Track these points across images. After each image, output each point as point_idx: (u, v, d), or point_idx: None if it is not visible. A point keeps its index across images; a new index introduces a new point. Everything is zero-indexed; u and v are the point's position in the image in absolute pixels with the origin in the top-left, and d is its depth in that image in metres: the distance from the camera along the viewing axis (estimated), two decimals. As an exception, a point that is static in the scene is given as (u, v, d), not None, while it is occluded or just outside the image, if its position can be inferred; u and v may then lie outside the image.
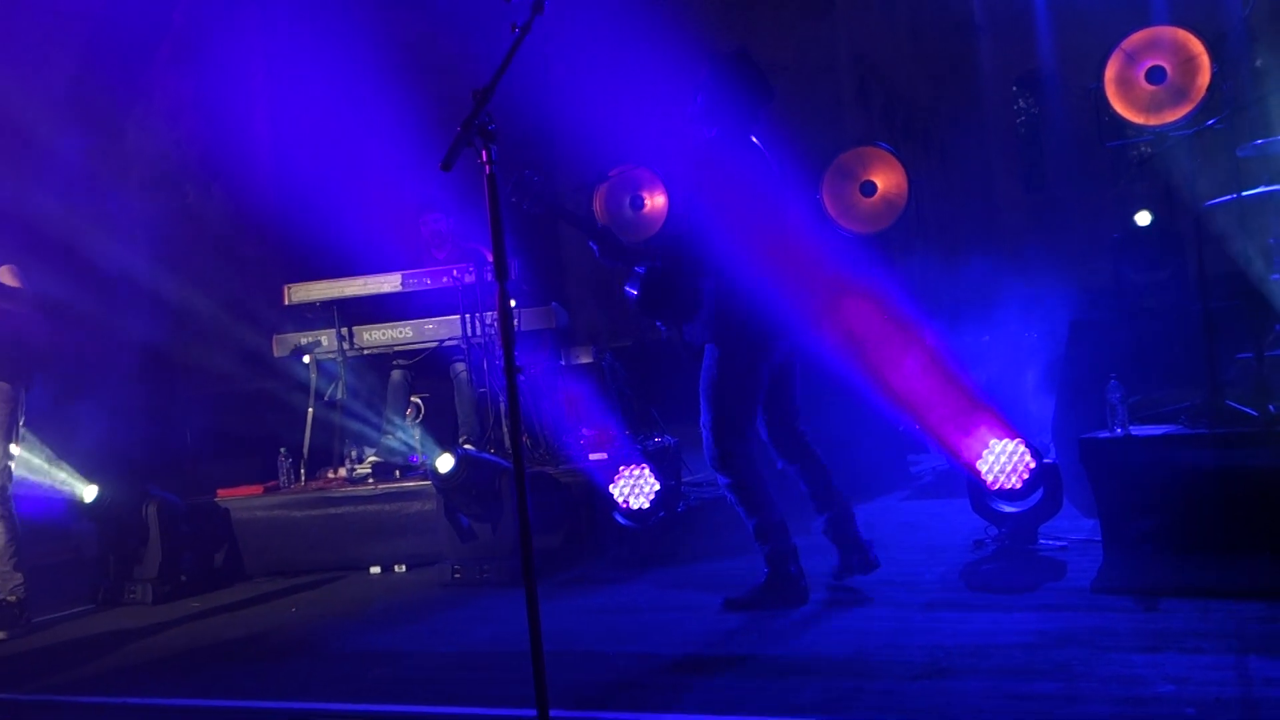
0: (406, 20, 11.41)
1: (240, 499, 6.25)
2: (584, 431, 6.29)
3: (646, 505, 5.32)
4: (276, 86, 10.24)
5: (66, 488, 5.88)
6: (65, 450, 6.09)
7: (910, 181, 8.07)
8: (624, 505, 5.35)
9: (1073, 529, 4.90)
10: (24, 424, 5.34)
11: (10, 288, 5.22)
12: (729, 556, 5.36)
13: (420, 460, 6.44)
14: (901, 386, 5.89)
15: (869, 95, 18.05)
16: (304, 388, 6.71)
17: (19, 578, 5.26)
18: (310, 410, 6.59)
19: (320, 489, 6.23)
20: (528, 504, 5.26)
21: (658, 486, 5.34)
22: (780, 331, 4.28)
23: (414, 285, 6.36)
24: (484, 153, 2.58)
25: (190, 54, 9.89)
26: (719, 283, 4.20)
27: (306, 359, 6.68)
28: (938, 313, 8.09)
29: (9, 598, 5.24)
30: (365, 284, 6.43)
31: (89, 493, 5.77)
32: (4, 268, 5.23)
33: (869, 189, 8.00)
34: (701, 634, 3.98)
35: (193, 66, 9.93)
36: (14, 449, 5.29)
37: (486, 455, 5.48)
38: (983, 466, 4.69)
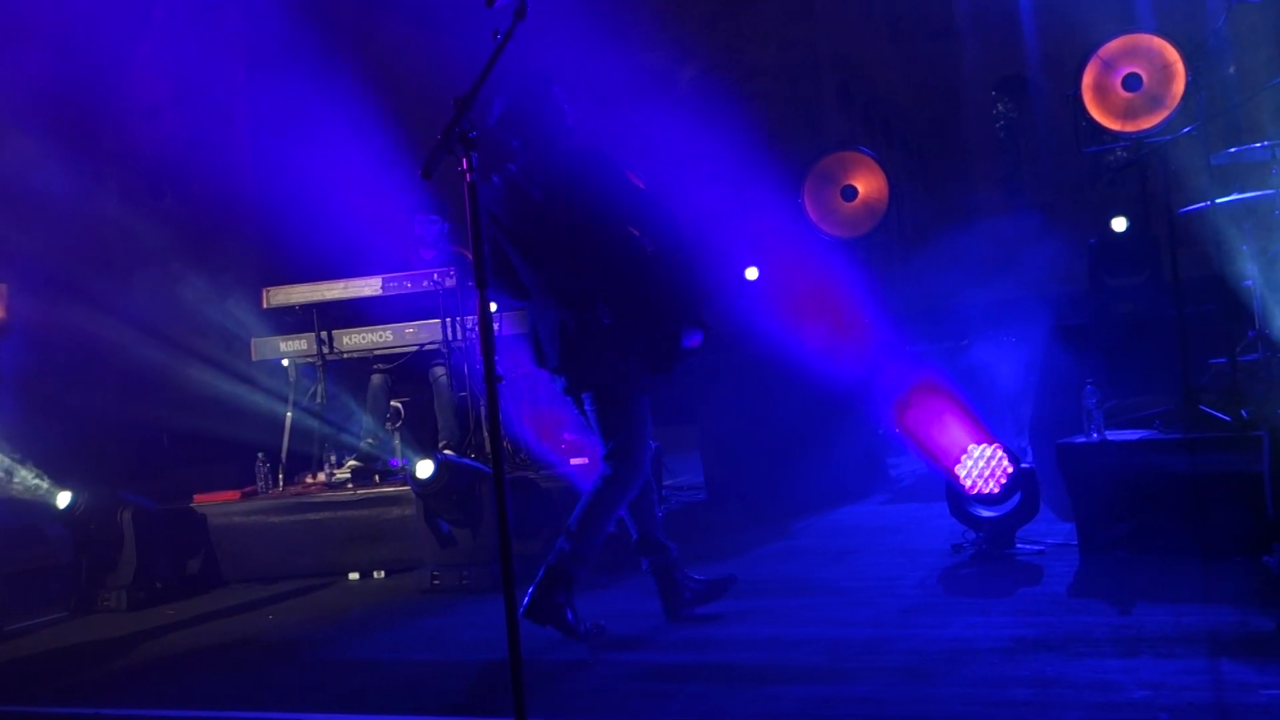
0: (388, 20, 11.38)
1: (217, 504, 6.20)
2: (565, 436, 6.28)
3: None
4: (256, 87, 10.19)
5: (39, 493, 5.84)
6: (37, 455, 6.04)
7: (891, 186, 8.11)
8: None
9: (1050, 533, 4.93)
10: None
11: None
12: (706, 561, 5.36)
13: (400, 465, 6.41)
14: (881, 390, 5.93)
15: (850, 98, 18.09)
16: (282, 392, 6.67)
17: (-9, 585, 5.23)
18: (289, 415, 6.55)
19: (299, 494, 6.19)
20: (508, 510, 5.25)
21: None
22: None
23: (394, 289, 6.33)
24: (464, 160, 2.58)
25: (168, 53, 9.84)
26: None
27: (285, 362, 6.64)
28: (915, 317, 8.13)
29: (-19, 605, 5.21)
30: (345, 287, 6.40)
31: (62, 498, 5.72)
32: None
33: (850, 193, 8.03)
34: (681, 640, 3.98)
35: (170, 66, 9.88)
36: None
37: (466, 460, 5.47)
38: (961, 471, 4.72)
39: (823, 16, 16.81)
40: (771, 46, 16.15)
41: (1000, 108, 23.16)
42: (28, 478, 5.85)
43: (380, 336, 6.50)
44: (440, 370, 6.51)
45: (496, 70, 2.76)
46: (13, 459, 5.77)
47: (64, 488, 5.72)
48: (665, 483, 7.22)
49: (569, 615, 3.97)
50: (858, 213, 8.09)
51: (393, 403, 6.60)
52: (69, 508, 5.67)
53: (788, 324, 7.48)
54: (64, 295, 7.89)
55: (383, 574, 5.87)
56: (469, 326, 6.32)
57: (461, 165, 2.57)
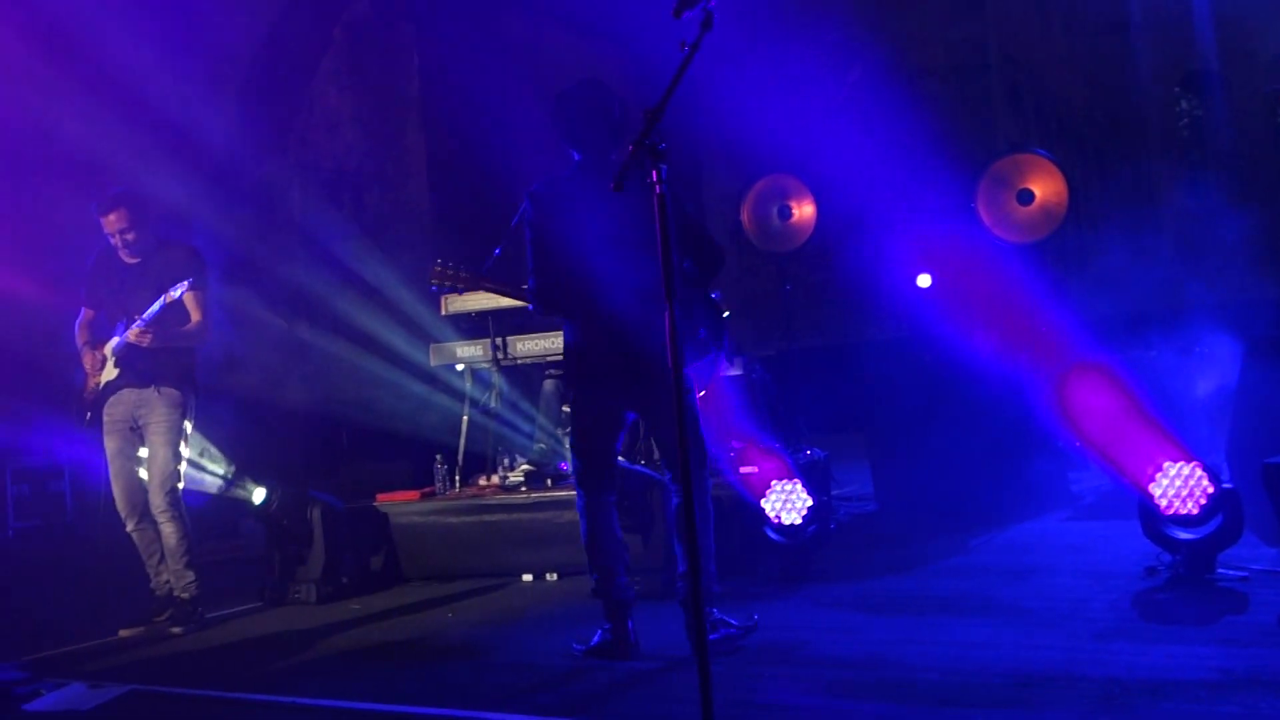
0: (565, 32, 11.59)
1: (398, 504, 6.42)
2: (733, 444, 6.25)
3: (798, 521, 5.26)
4: (434, 97, 10.50)
5: (235, 489, 6.15)
6: (231, 452, 6.36)
7: (1071, 190, 7.81)
8: (775, 520, 5.30)
9: (1255, 558, 4.65)
10: (192, 428, 5.60)
11: (195, 313, 5.51)
12: (879, 575, 5.28)
13: (569, 469, 6.50)
14: (1069, 403, 5.69)
15: (1021, 98, 17.53)
16: (459, 395, 6.86)
17: (191, 575, 5.51)
18: (465, 418, 6.73)
19: (475, 496, 6.35)
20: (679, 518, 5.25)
21: (810, 502, 5.27)
22: None
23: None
24: (654, 172, 2.59)
25: (350, 65, 10.25)
26: None
27: (461, 367, 6.83)
28: (1098, 324, 7.81)
29: (182, 595, 5.51)
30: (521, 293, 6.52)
31: (257, 494, 6.01)
32: (191, 294, 5.47)
33: (1026, 197, 7.76)
34: (858, 656, 3.91)
35: (350, 79, 10.28)
36: (184, 451, 5.55)
37: (637, 467, 5.51)
38: (1156, 490, 4.49)
39: (992, 13, 16.35)
40: (939, 46, 15.78)
41: (1184, 104, 22.09)
42: (227, 474, 6.17)
43: (553, 343, 6.60)
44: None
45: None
46: (213, 456, 6.09)
47: (258, 484, 6.01)
48: (833, 493, 7.13)
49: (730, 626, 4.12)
50: (1034, 217, 7.81)
51: (564, 408, 6.69)
52: (263, 504, 5.96)
53: (962, 331, 7.29)
54: (253, 295, 8.29)
55: (555, 577, 5.97)
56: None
57: (651, 177, 2.59)
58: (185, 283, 5.29)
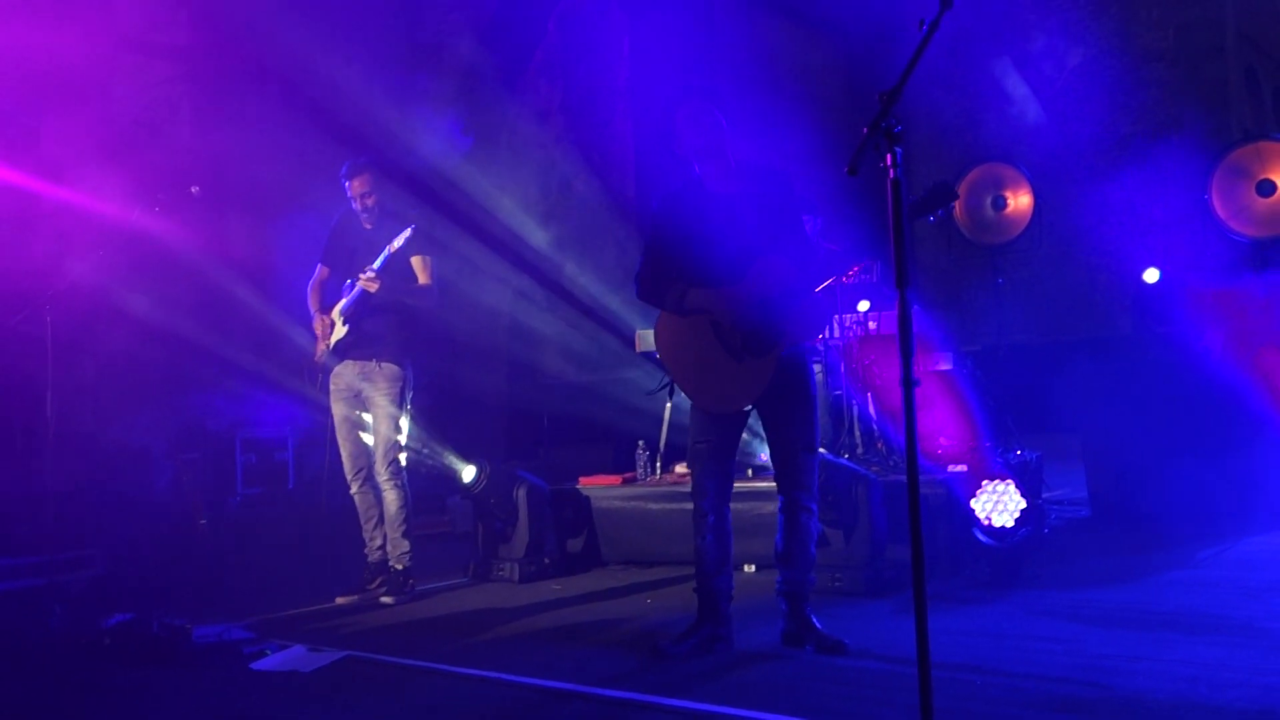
0: (764, 25, 11.50)
1: (599, 488, 6.51)
2: (941, 441, 6.07)
3: (1010, 523, 5.05)
4: (639, 88, 10.61)
5: (448, 465, 6.36)
6: (438, 430, 6.59)
7: (1320, 180, 7.22)
8: (985, 522, 5.11)
9: None
10: (411, 402, 5.82)
11: (423, 276, 5.75)
12: (1096, 585, 5.02)
13: (762, 460, 6.45)
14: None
15: (1258, 83, 16.33)
16: (663, 384, 6.89)
17: (406, 546, 5.74)
18: (669, 405, 6.76)
19: (674, 484, 6.37)
20: (884, 514, 5.14)
21: (1023, 503, 5.06)
22: None
23: (771, 285, 6.36)
24: (889, 156, 2.51)
25: (560, 59, 10.46)
26: None
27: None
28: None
29: (396, 565, 5.74)
30: (725, 283, 6.51)
31: (467, 472, 6.19)
32: (419, 257, 5.73)
33: (1268, 189, 7.24)
34: (1077, 670, 3.70)
35: (562, 70, 10.50)
36: (404, 424, 5.77)
37: (843, 461, 5.41)
38: None
39: (1230, -7, 15.27)
40: (1169, 28, 14.84)
41: None
42: (438, 450, 6.39)
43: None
44: (816, 367, 6.47)
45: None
46: (426, 434, 6.31)
47: (469, 463, 6.19)
48: (1044, 496, 6.83)
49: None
50: (1277, 209, 7.28)
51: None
52: (473, 482, 6.14)
53: (1191, 330, 6.87)
54: (454, 279, 8.56)
55: (753, 568, 5.93)
56: (846, 324, 6.25)
57: (885, 161, 2.50)
58: (408, 230, 5.53)
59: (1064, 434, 7.69)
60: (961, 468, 5.55)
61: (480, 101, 9.50)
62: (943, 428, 6.25)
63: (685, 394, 4.26)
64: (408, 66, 8.69)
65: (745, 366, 4.12)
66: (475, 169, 9.24)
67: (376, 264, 5.53)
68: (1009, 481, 5.10)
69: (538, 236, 9.69)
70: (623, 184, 10.68)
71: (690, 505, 6.05)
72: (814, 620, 4.21)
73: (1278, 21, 17.24)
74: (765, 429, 4.30)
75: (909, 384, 2.57)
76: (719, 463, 4.26)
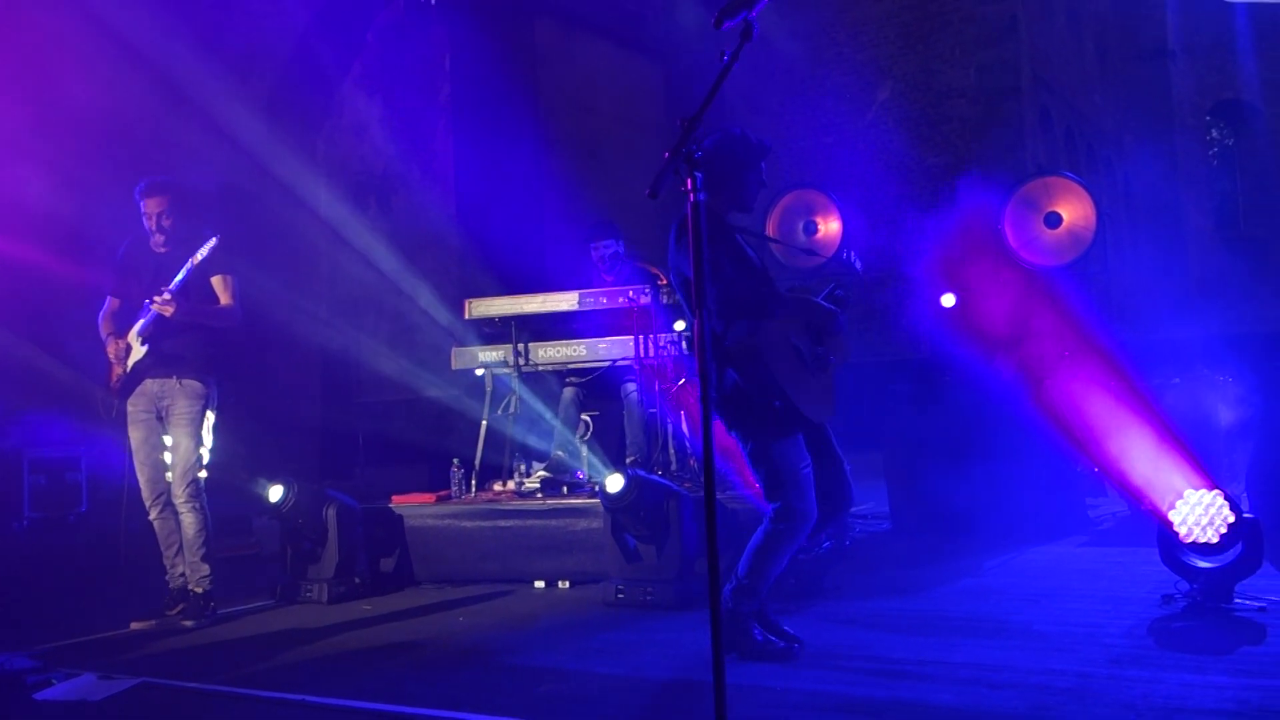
0: (583, 45, 11.64)
1: (413, 506, 6.42)
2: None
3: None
4: (459, 104, 10.56)
5: (254, 485, 6.16)
6: (247, 448, 6.38)
7: (1099, 214, 7.76)
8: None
9: (1272, 589, 4.59)
10: (215, 421, 5.62)
11: (224, 296, 5.54)
12: (893, 594, 5.26)
13: (585, 477, 6.51)
14: (1090, 427, 5.66)
15: (1051, 121, 17.48)
16: (479, 400, 6.87)
17: (206, 569, 5.53)
18: (484, 423, 6.74)
19: (490, 501, 6.35)
20: (693, 529, 5.25)
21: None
22: None
23: (590, 304, 6.45)
24: (689, 180, 2.58)
25: (380, 72, 10.32)
26: None
27: (480, 372, 6.84)
28: (1123, 349, 7.77)
29: (196, 589, 5.52)
30: (544, 301, 6.56)
31: (274, 491, 6.01)
32: (220, 277, 5.53)
33: (1054, 220, 7.72)
34: (871, 673, 3.88)
35: (381, 83, 10.36)
36: (206, 442, 5.57)
37: (656, 477, 5.50)
38: (1175, 517, 4.45)
39: (1026, 37, 16.31)
40: (970, 67, 15.74)
41: (1214, 133, 21.98)
42: (244, 470, 6.19)
43: (574, 351, 6.62)
44: (631, 386, 6.58)
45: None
46: (232, 454, 6.10)
47: (276, 482, 6.01)
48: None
49: (757, 634, 4.13)
50: (1062, 241, 7.78)
51: (583, 416, 6.71)
52: (280, 501, 5.96)
53: (984, 353, 7.26)
54: (268, 297, 8.31)
55: (568, 584, 5.96)
56: (661, 344, 6.36)
57: (686, 185, 2.58)
58: (213, 240, 5.32)
59: (868, 451, 8.01)
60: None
61: (295, 112, 9.27)
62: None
63: (796, 407, 4.15)
64: (218, 75, 8.40)
65: (820, 381, 4.23)
66: (289, 181, 9.01)
67: (174, 282, 5.31)
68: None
69: (355, 250, 9.51)
70: (444, 200, 10.60)
71: (505, 524, 6.10)
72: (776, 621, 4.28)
73: (1067, 65, 18.50)
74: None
75: (707, 403, 2.65)
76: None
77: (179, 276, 5.32)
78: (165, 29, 8.06)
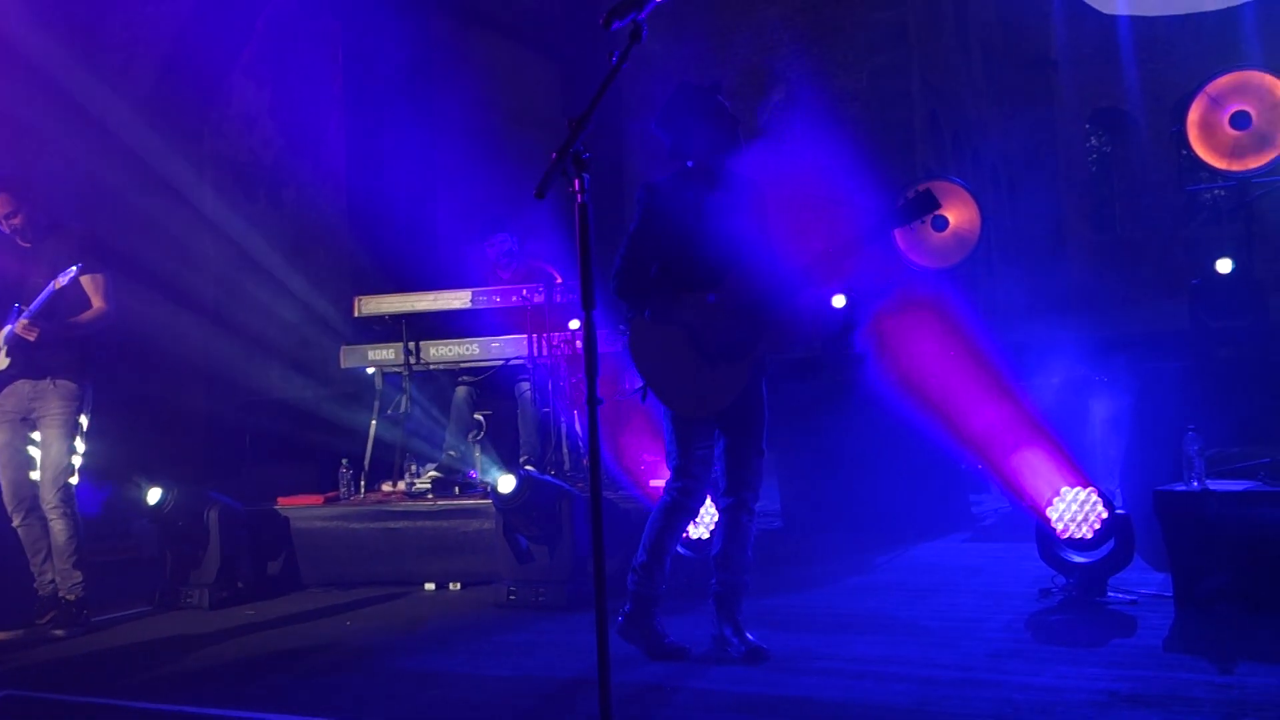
0: (480, 42, 11.53)
1: (300, 508, 6.28)
2: (644, 458, 6.24)
3: (706, 535, 5.26)
4: (352, 98, 10.37)
5: (128, 488, 5.95)
6: (125, 449, 6.15)
7: (983, 218, 7.97)
8: (684, 535, 5.28)
9: (1143, 583, 4.78)
10: (88, 423, 5.41)
11: (95, 298, 5.32)
12: (785, 592, 5.31)
13: (478, 477, 6.44)
14: (971, 425, 5.80)
15: (940, 126, 17.91)
16: (368, 400, 6.74)
17: (79, 576, 5.31)
18: (374, 423, 6.62)
19: (380, 502, 6.24)
20: (584, 529, 5.23)
21: (718, 517, 5.27)
22: None
23: (483, 303, 6.39)
24: (576, 181, 2.57)
25: (269, 62, 10.06)
26: None
27: (371, 371, 6.72)
28: (1003, 351, 7.98)
29: (68, 596, 5.30)
30: (436, 299, 6.47)
31: (152, 494, 5.82)
32: (90, 277, 5.30)
33: (940, 224, 7.90)
34: (761, 673, 3.91)
35: (271, 74, 10.09)
36: (79, 446, 5.36)
37: (548, 478, 5.47)
38: (1053, 514, 4.60)
39: (916, 44, 16.67)
40: (863, 72, 16.02)
41: (1094, 141, 22.79)
42: (120, 473, 5.97)
43: (467, 349, 6.55)
44: (525, 385, 6.53)
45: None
46: (108, 456, 5.88)
47: (154, 484, 5.82)
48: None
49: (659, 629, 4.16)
50: (948, 243, 7.98)
51: (476, 415, 6.63)
52: (158, 504, 5.77)
53: (872, 353, 7.39)
54: (149, 292, 8.03)
55: (459, 586, 5.90)
56: (554, 343, 6.33)
57: (574, 186, 2.56)
58: (74, 269, 5.10)
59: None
60: (661, 483, 5.71)
61: (178, 102, 8.97)
62: (646, 445, 6.42)
63: (663, 400, 4.08)
64: (92, 65, 8.08)
65: (720, 372, 4.06)
66: (172, 173, 8.73)
67: (34, 305, 5.08)
68: (705, 496, 5.29)
69: (242, 245, 9.25)
70: (335, 194, 10.39)
71: (395, 525, 6.01)
72: (742, 624, 4.18)
73: (956, 73, 18.96)
74: (721, 432, 4.22)
75: (594, 402, 2.64)
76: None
77: (39, 299, 5.09)
78: (37, 15, 7.73)
